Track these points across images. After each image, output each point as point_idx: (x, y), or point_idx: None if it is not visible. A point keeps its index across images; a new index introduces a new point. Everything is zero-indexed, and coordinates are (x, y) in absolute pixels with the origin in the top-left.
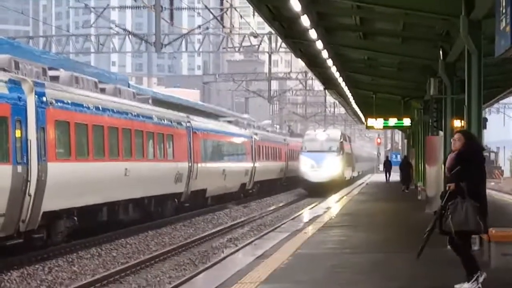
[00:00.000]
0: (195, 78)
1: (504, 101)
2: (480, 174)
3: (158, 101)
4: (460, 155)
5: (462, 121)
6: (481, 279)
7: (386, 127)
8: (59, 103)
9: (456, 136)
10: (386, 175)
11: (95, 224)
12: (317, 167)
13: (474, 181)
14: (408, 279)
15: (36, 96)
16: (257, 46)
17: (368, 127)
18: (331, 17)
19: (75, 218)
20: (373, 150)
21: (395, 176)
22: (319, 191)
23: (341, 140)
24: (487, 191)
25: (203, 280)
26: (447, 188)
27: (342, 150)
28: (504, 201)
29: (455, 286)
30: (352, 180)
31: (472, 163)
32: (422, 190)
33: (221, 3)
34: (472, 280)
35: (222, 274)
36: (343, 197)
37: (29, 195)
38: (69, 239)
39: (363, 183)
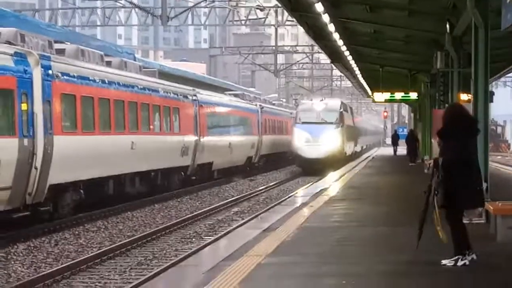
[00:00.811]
0: (201, 52)
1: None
2: (461, 149)
3: (165, 75)
4: (439, 131)
5: (469, 95)
6: (461, 263)
7: (392, 101)
8: (65, 76)
9: (447, 109)
10: (394, 148)
11: (102, 197)
12: (313, 141)
13: (449, 156)
14: (413, 253)
15: (42, 69)
16: (263, 20)
17: (374, 101)
18: None
19: (82, 191)
20: (380, 123)
21: (403, 149)
22: (316, 168)
23: (341, 110)
24: (492, 163)
25: (209, 253)
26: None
27: (342, 122)
28: (510, 174)
29: (442, 261)
30: (356, 155)
31: (448, 136)
32: (428, 163)
33: None
34: (452, 259)
35: (229, 247)
36: (349, 170)
37: (36, 168)
38: (75, 212)
39: (369, 156)
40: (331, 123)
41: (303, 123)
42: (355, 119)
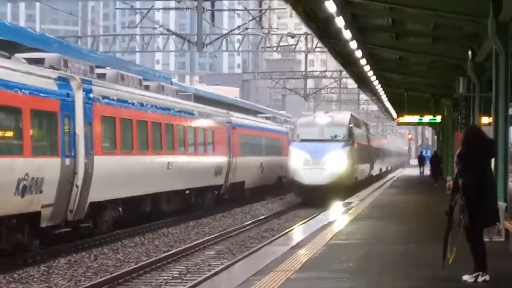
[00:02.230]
0: (235, 76)
1: None
2: (478, 170)
3: (200, 98)
4: (458, 153)
5: (490, 118)
6: (480, 279)
7: (420, 124)
8: (105, 100)
9: (466, 131)
10: (420, 169)
11: (139, 214)
12: (313, 164)
13: (468, 177)
14: (438, 269)
15: (84, 92)
16: (294, 46)
17: (399, 124)
18: (364, 18)
19: (120, 208)
20: (404, 145)
21: (428, 170)
22: (318, 197)
23: (351, 125)
24: None
25: (241, 268)
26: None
27: (352, 140)
28: None
29: (463, 277)
30: (373, 179)
31: (469, 160)
32: (448, 184)
33: (260, 5)
34: (473, 276)
35: (259, 263)
36: (375, 190)
37: (77, 187)
38: (114, 228)
39: (394, 177)
40: (338, 140)
41: (302, 140)
42: (373, 137)
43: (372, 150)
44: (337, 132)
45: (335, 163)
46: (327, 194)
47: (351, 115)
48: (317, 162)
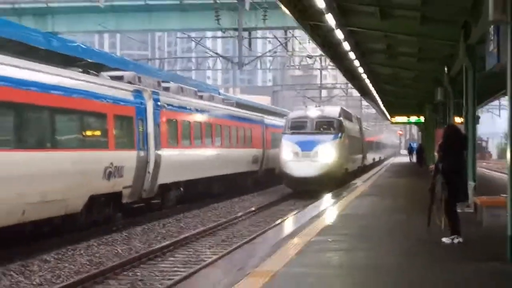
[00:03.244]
0: (267, 88)
1: (493, 103)
2: (455, 158)
3: (240, 105)
4: (444, 146)
5: (461, 118)
6: (456, 241)
7: (408, 123)
8: (169, 106)
9: (445, 129)
10: (409, 157)
11: (196, 193)
12: (303, 156)
13: (447, 163)
14: (423, 234)
15: (153, 101)
16: (312, 64)
17: (392, 123)
18: (365, 43)
19: (181, 188)
20: (396, 139)
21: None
22: (309, 189)
23: (340, 118)
24: (480, 169)
25: (273, 233)
26: (436, 173)
27: (342, 132)
28: (492, 176)
29: (442, 239)
30: (367, 168)
31: (446, 148)
32: (431, 169)
33: (285, 34)
34: (450, 238)
35: (288, 229)
36: (374, 174)
37: (149, 172)
38: (177, 204)
39: (388, 163)
40: (327, 133)
41: (293, 133)
42: (367, 131)
43: (365, 143)
44: (327, 125)
45: (325, 155)
46: (316, 187)
47: (342, 108)
48: (307, 154)
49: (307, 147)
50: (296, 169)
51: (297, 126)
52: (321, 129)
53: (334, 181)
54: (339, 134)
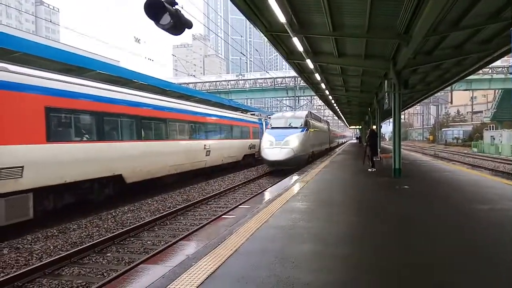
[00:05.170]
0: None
1: (388, 119)
2: (374, 142)
3: (243, 110)
4: (369, 136)
5: (375, 125)
6: (373, 170)
7: (357, 128)
8: (264, 123)
9: (369, 130)
10: (357, 141)
11: (220, 168)
12: (276, 144)
13: (371, 144)
14: (360, 167)
15: (264, 122)
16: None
17: (349, 127)
18: (328, 69)
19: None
20: (351, 133)
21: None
22: (282, 169)
23: (307, 118)
24: (384, 145)
25: (272, 189)
26: (366, 145)
27: (308, 127)
28: (389, 148)
29: (368, 169)
30: (330, 150)
31: (371, 138)
32: (365, 145)
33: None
34: (371, 168)
35: (281, 187)
36: (335, 154)
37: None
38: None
39: (344, 146)
40: (296, 128)
41: (272, 128)
42: (333, 129)
43: (331, 135)
44: (296, 122)
45: (291, 143)
46: (286, 166)
47: (309, 112)
48: (279, 143)
49: (279, 138)
50: (271, 154)
51: (276, 124)
52: (291, 125)
53: (301, 162)
54: (305, 129)
